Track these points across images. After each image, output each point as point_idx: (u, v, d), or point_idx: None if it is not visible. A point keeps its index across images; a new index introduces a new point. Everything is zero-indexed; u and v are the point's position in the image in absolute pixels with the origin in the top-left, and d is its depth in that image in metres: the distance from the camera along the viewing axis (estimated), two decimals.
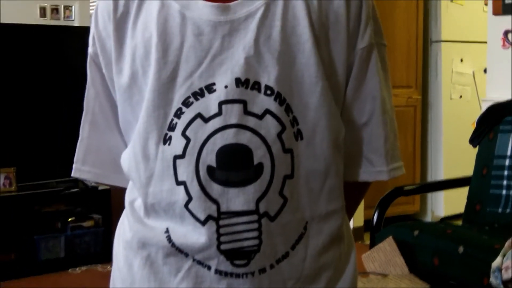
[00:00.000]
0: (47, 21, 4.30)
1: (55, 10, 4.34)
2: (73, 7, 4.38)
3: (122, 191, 1.06)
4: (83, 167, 1.08)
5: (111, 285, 1.06)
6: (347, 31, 0.96)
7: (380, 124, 1.01)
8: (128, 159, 0.99)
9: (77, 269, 4.04)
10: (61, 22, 4.34)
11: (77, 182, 4.09)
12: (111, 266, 1.07)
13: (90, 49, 1.02)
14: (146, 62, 0.94)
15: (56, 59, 4.18)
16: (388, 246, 2.90)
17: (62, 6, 4.35)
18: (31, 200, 4.00)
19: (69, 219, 4.16)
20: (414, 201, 5.09)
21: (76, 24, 4.39)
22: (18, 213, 3.95)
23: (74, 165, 1.09)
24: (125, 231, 1.02)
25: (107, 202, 4.15)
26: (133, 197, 1.01)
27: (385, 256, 2.88)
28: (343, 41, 0.96)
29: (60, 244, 4.08)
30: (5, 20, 4.05)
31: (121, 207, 1.06)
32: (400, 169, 1.04)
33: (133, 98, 0.97)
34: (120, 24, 0.98)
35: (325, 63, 0.95)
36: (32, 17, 4.24)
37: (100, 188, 4.13)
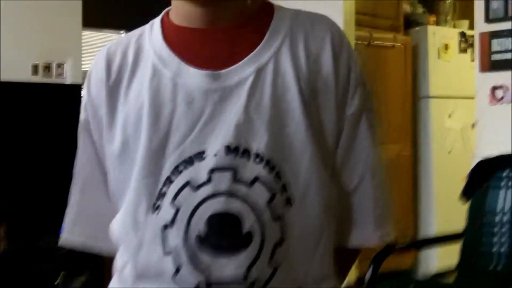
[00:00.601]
0: (40, 78, 4.32)
1: (47, 68, 4.37)
2: (65, 65, 4.41)
3: (111, 259, 1.05)
4: (71, 236, 1.08)
5: None
6: (336, 97, 0.97)
7: (370, 189, 1.01)
8: (118, 226, 0.99)
9: None
10: (53, 80, 4.36)
11: None
12: None
13: (81, 116, 1.03)
14: (137, 130, 0.95)
15: (48, 116, 4.19)
16: None
17: (55, 64, 4.38)
18: (21, 257, 3.95)
19: (60, 277, 4.10)
20: (407, 256, 5.06)
21: (68, 82, 4.41)
22: (8, 272, 3.89)
23: (62, 234, 1.08)
24: None
25: (98, 259, 4.09)
26: (123, 264, 1.00)
27: None
28: (332, 107, 0.97)
29: None
30: None
31: (112, 264, 1.05)
32: (391, 234, 1.04)
33: (124, 166, 0.97)
34: (113, 91, 0.99)
35: (315, 129, 0.95)
36: (24, 75, 4.26)
37: None
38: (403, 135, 5.14)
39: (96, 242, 1.08)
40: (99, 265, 4.09)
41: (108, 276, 1.07)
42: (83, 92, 1.04)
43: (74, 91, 4.27)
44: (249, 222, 0.90)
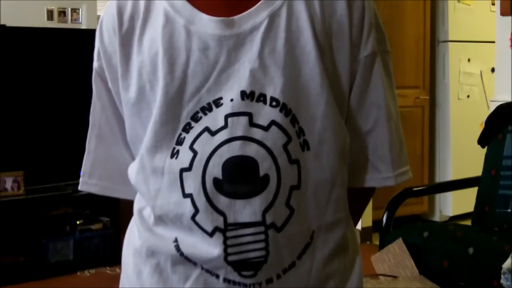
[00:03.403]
0: (55, 23, 4.31)
1: (62, 12, 4.35)
2: (80, 9, 4.38)
3: (129, 202, 1.06)
4: (90, 180, 1.09)
5: None
6: (350, 40, 0.96)
7: (385, 131, 1.01)
8: (136, 172, 0.99)
9: (86, 271, 4.05)
10: (69, 25, 4.34)
11: None
12: (119, 269, 1.08)
13: (95, 64, 1.02)
14: (154, 78, 0.95)
15: (64, 61, 4.19)
16: (397, 248, 2.89)
17: (69, 9, 4.36)
18: (40, 203, 4.02)
19: (78, 222, 4.17)
20: (423, 201, 5.08)
21: (83, 27, 4.39)
22: (27, 216, 3.97)
23: (81, 179, 1.09)
24: (134, 239, 1.03)
25: (116, 205, 4.17)
26: (141, 206, 1.01)
27: (394, 258, 2.88)
28: (346, 50, 0.96)
29: (69, 246, 4.10)
30: (12, 23, 4.06)
31: (130, 210, 1.06)
32: (407, 174, 1.04)
33: (141, 113, 0.97)
34: (126, 40, 0.98)
35: (329, 73, 0.95)
36: (39, 20, 4.25)
37: None
38: (421, 79, 5.10)
39: (114, 188, 1.09)
40: (116, 211, 4.17)
41: (125, 221, 1.08)
42: (96, 40, 1.03)
43: (89, 36, 4.26)
44: (265, 165, 0.90)
